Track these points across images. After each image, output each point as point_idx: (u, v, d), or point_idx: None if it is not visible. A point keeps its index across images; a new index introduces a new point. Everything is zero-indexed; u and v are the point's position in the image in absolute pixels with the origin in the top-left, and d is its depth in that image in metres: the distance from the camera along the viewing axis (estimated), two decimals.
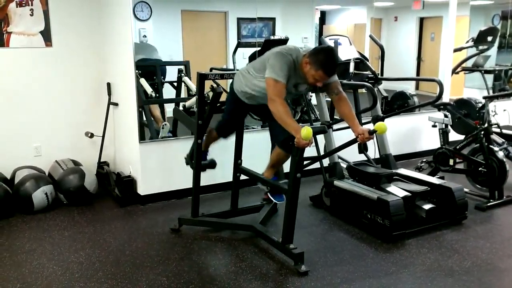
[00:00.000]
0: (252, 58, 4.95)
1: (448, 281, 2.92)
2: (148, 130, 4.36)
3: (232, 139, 3.66)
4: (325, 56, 2.88)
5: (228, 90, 3.45)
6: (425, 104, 4.52)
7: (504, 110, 5.23)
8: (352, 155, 4.34)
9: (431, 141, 5.43)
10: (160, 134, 4.32)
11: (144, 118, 4.34)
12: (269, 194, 3.47)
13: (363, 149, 4.32)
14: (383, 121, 4.02)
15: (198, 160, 3.59)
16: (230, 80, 3.85)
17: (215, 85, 3.43)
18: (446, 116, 4.62)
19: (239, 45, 5.17)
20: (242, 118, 3.60)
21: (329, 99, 3.42)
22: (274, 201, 3.48)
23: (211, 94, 3.45)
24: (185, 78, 4.60)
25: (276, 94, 2.90)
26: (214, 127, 3.58)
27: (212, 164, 3.75)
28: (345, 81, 4.06)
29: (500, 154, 4.21)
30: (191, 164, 3.68)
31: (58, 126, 4.58)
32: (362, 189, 3.72)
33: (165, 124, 4.34)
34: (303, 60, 2.95)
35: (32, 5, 4.24)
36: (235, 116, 3.52)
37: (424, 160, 4.75)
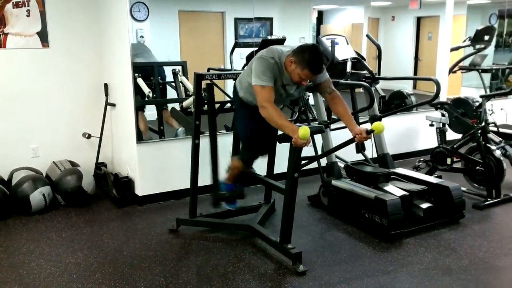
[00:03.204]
0: (249, 58, 4.94)
1: (446, 280, 2.92)
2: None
3: (230, 138, 3.65)
4: (310, 54, 2.85)
5: (236, 101, 3.38)
6: (423, 103, 4.52)
7: (501, 109, 5.23)
8: (349, 154, 4.34)
9: (429, 140, 5.44)
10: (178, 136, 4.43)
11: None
12: (224, 203, 3.61)
13: (360, 148, 4.32)
14: (380, 120, 4.02)
15: (196, 160, 3.59)
16: (228, 81, 3.86)
17: (207, 81, 3.44)
18: (443, 115, 4.63)
19: (237, 45, 5.17)
20: (259, 126, 3.17)
21: None
22: (229, 208, 3.65)
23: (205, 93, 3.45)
24: (183, 78, 4.60)
25: (265, 99, 2.88)
26: (238, 158, 3.40)
27: (241, 194, 3.61)
28: (342, 81, 4.06)
29: (498, 153, 4.22)
30: (224, 197, 3.61)
31: (55, 127, 4.57)
32: (359, 188, 3.72)
33: (179, 130, 4.45)
34: (287, 59, 2.92)
35: (28, 6, 4.24)
36: (255, 127, 3.22)
37: (422, 159, 4.76)
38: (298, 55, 2.87)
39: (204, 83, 3.47)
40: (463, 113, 5.10)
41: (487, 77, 6.68)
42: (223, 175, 3.62)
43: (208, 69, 4.69)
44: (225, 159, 3.66)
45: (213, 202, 3.73)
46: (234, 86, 3.36)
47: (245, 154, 3.38)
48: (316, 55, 2.87)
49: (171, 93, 4.75)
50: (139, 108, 4.36)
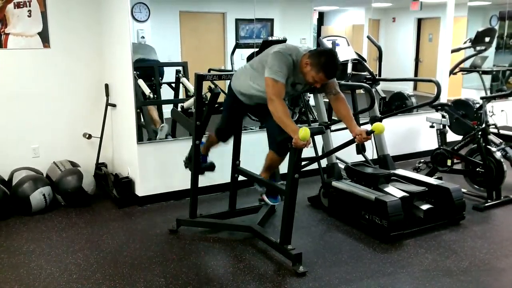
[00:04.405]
0: (250, 59, 4.94)
1: (446, 281, 2.92)
2: (146, 131, 4.37)
3: (231, 141, 3.66)
4: (327, 59, 2.89)
5: (227, 91, 3.45)
6: (423, 104, 4.52)
7: (502, 110, 5.24)
8: (350, 155, 4.34)
9: (429, 142, 5.43)
10: (158, 136, 4.32)
11: (142, 120, 4.34)
12: (264, 196, 3.46)
13: (361, 149, 4.32)
14: (381, 121, 4.03)
15: (197, 161, 3.59)
16: (229, 81, 3.86)
17: (212, 86, 3.43)
18: (444, 116, 4.63)
19: (237, 46, 5.17)
20: (240, 119, 3.59)
21: (327, 100, 3.42)
22: (270, 203, 3.48)
23: (209, 95, 3.45)
24: (183, 79, 4.60)
25: (275, 94, 2.90)
26: (213, 131, 3.57)
27: (211, 167, 3.74)
28: (343, 82, 4.06)
29: (498, 155, 4.22)
30: (190, 166, 3.68)
31: (56, 127, 4.57)
32: (360, 189, 3.72)
33: (163, 126, 4.34)
34: (303, 60, 2.95)
35: (30, 6, 4.24)
36: (233, 117, 3.50)
37: (422, 160, 4.76)
38: (314, 58, 2.90)
39: (206, 85, 3.47)
40: (463, 115, 5.11)
41: (487, 78, 6.67)
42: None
43: (209, 70, 4.70)
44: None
45: (185, 165, 3.78)
46: (231, 80, 3.40)
47: (217, 130, 3.55)
48: (332, 60, 2.91)
49: (168, 93, 4.74)
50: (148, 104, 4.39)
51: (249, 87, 3.18)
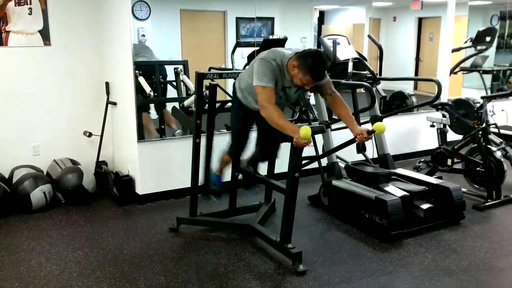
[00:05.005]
0: (250, 57, 4.94)
1: (446, 281, 2.92)
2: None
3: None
4: (313, 60, 2.84)
5: (231, 95, 3.43)
6: (423, 104, 4.52)
7: (502, 110, 5.24)
8: (350, 155, 4.35)
9: (429, 141, 5.43)
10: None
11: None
12: (212, 196, 3.71)
13: (361, 149, 4.32)
14: (381, 121, 4.03)
15: (197, 159, 3.59)
16: (229, 80, 3.85)
17: (209, 81, 3.43)
18: (444, 116, 4.63)
19: (238, 44, 5.17)
20: (250, 128, 3.49)
21: None
22: (215, 200, 3.76)
23: (208, 93, 3.46)
24: (184, 77, 4.60)
25: (265, 99, 2.88)
26: (227, 152, 3.52)
27: (227, 190, 3.75)
28: (343, 81, 4.06)
29: (498, 154, 4.22)
30: (213, 190, 3.70)
31: (56, 125, 4.57)
32: (360, 188, 3.72)
33: (178, 131, 4.52)
34: (289, 62, 2.92)
35: (30, 4, 4.24)
36: (246, 129, 3.41)
37: (422, 160, 4.75)
38: (301, 60, 2.87)
39: (206, 83, 3.47)
40: (464, 114, 5.11)
41: (488, 78, 6.67)
42: (214, 166, 3.68)
43: (209, 68, 4.70)
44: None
45: (203, 194, 3.80)
46: (234, 86, 3.37)
47: (232, 151, 3.47)
48: (319, 61, 2.86)
49: (171, 92, 4.76)
50: (144, 109, 4.38)
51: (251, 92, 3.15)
